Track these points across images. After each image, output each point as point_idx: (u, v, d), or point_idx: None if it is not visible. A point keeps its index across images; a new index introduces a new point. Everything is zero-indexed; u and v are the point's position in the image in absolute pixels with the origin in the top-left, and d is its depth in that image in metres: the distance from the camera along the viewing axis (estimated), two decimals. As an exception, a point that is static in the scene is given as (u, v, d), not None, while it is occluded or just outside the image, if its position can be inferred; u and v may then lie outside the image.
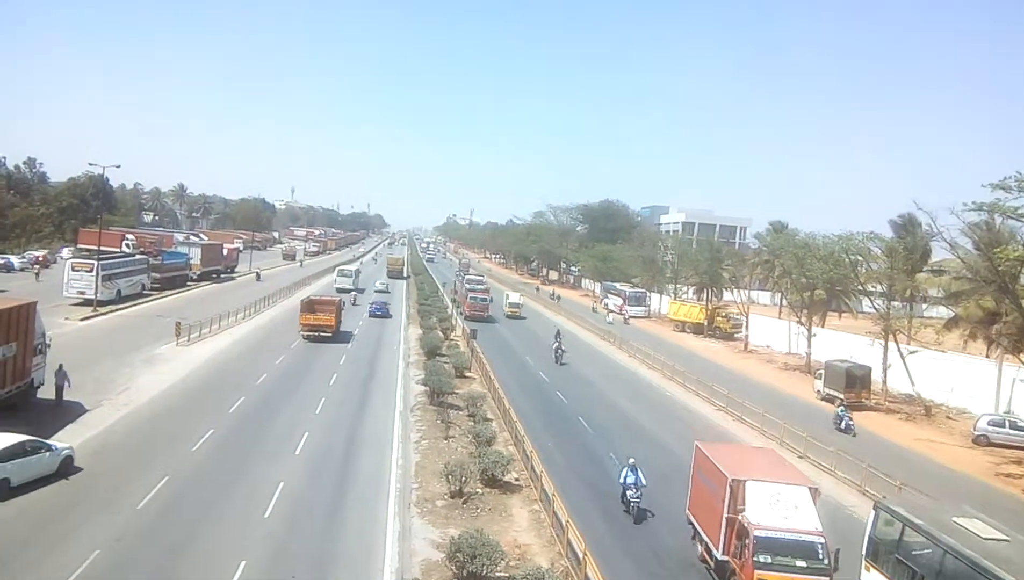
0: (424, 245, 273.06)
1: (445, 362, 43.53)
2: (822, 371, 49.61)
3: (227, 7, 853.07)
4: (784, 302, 73.40)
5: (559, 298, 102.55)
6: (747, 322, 72.02)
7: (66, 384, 31.50)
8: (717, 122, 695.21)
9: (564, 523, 21.01)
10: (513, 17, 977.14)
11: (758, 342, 71.07)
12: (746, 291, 77.22)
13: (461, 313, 72.84)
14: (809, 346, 59.33)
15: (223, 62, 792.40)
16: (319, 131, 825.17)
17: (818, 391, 48.98)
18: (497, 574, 18.12)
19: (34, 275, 72.08)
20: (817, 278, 55.70)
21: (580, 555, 18.96)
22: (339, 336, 55.21)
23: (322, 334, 53.64)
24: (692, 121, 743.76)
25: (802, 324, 61.38)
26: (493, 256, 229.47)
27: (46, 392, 31.33)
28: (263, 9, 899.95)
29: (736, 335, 74.46)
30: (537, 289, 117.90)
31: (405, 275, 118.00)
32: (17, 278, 69.78)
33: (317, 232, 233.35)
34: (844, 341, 57.50)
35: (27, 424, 26.60)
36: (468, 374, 44.70)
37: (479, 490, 25.04)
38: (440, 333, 54.56)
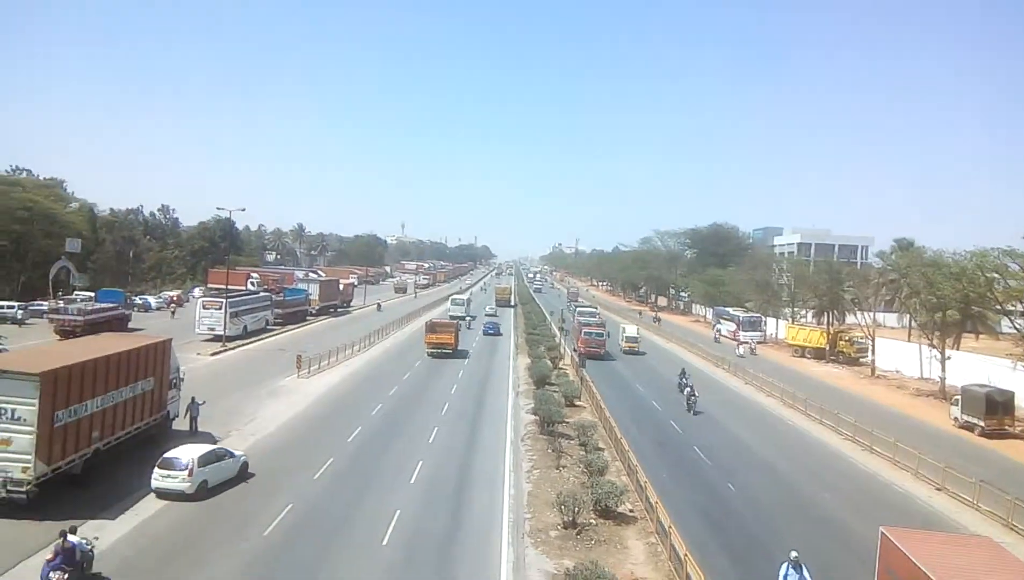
0: (531, 275, 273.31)
1: (554, 391, 43.37)
2: (959, 397, 46.11)
3: (337, 57, 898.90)
4: (913, 324, 69.01)
5: (660, 321, 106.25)
6: (873, 346, 68.18)
7: (199, 415, 33.39)
8: (826, 133, 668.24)
9: (683, 557, 20.28)
10: (612, 26, 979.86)
11: (886, 367, 67.04)
12: (870, 313, 73.11)
13: (575, 350, 65.89)
14: (943, 370, 55.45)
15: (335, 108, 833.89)
16: (427, 167, 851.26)
17: (955, 418, 45.55)
18: (614, 608, 17.67)
19: (170, 313, 77.52)
20: (949, 298, 52.16)
21: (701, 591, 18.22)
22: (457, 352, 62.87)
23: (443, 350, 62.07)
24: (801, 134, 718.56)
25: (934, 347, 57.50)
26: (600, 284, 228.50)
27: (180, 423, 33.33)
28: (367, 54, 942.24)
29: (861, 360, 70.57)
30: (640, 314, 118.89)
31: (512, 303, 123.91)
32: (154, 317, 75.23)
33: (426, 265, 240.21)
34: (982, 364, 53.38)
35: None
36: (578, 403, 44.34)
37: (592, 521, 24.61)
38: (549, 362, 54.50)
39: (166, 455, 25.59)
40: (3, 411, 21.96)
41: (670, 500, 26.46)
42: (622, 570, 20.64)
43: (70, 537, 18.17)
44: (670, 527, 22.32)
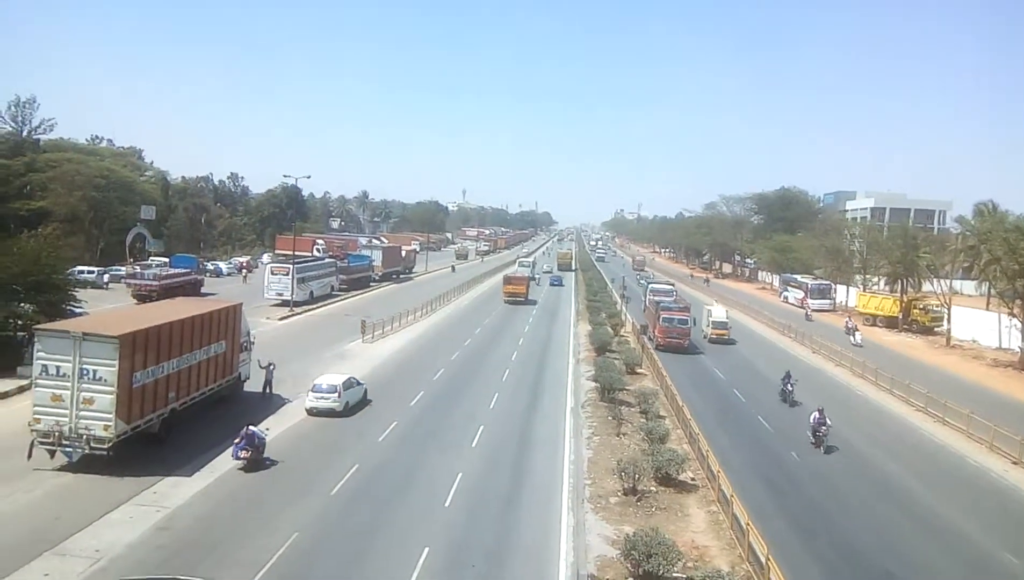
0: (593, 243, 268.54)
1: (615, 358, 43.17)
2: (1041, 368, 44.11)
3: (400, 22, 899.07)
4: (992, 292, 66.01)
5: (708, 282, 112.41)
6: (949, 314, 65.58)
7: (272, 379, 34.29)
8: (904, 94, 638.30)
9: (745, 526, 20.08)
10: None
11: (962, 336, 64.44)
12: (947, 281, 70.18)
13: (648, 338, 54.66)
14: (1023, 340, 53.01)
15: (399, 77, 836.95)
16: (488, 133, 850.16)
17: (1036, 391, 43.66)
18: (674, 574, 17.64)
19: (242, 278, 79.91)
20: (1033, 264, 49.67)
21: (763, 560, 18.04)
22: (528, 301, 77.40)
23: (517, 299, 76.30)
24: (878, 95, 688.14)
25: (1014, 316, 55.00)
26: (663, 250, 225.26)
27: (251, 386, 34.35)
28: (429, 18, 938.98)
29: (936, 329, 68.01)
30: (691, 276, 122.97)
31: (573, 268, 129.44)
32: (225, 282, 77.63)
33: (487, 232, 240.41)
34: (1068, 335, 50.82)
35: (238, 415, 29.57)
36: (639, 370, 44.04)
37: (653, 488, 24.54)
38: (609, 329, 54.16)
39: (316, 382, 31.98)
40: (85, 372, 22.99)
41: (731, 469, 26.19)
42: (683, 537, 20.57)
43: (250, 427, 24.57)
44: (732, 496, 22.11)
